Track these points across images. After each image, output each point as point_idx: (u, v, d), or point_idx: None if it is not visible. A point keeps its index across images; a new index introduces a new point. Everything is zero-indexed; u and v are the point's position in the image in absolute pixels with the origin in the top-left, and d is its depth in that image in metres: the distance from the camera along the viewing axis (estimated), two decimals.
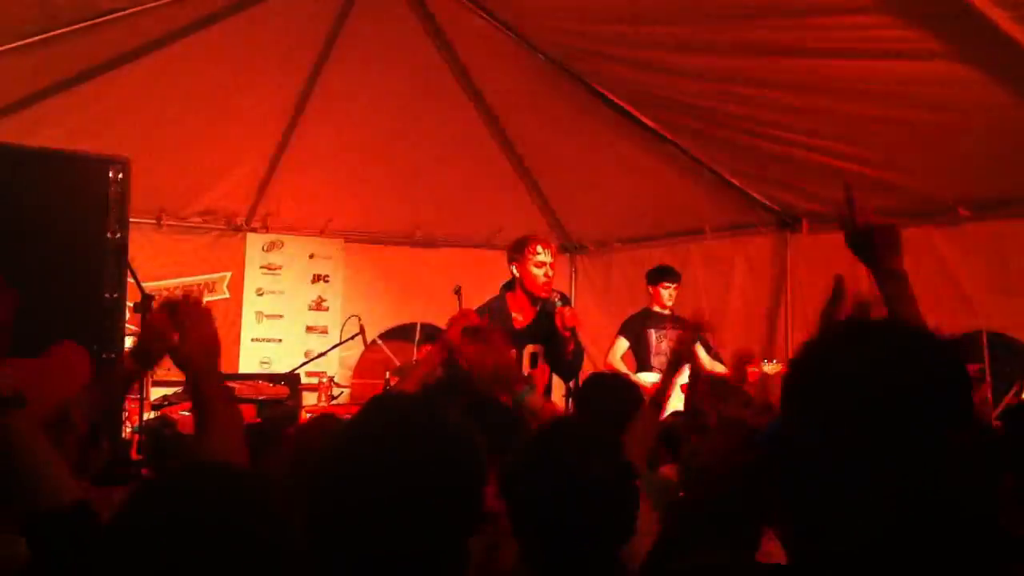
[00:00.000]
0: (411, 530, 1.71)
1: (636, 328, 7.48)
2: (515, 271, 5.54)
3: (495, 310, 5.46)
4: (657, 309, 7.49)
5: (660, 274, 7.56)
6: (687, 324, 4.37)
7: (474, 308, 5.50)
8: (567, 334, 5.36)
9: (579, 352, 5.58)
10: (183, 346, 2.54)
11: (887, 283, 2.29)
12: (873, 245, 2.34)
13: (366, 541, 1.70)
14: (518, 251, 5.52)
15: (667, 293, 7.46)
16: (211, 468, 1.75)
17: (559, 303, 5.45)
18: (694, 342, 4.18)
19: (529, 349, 5.53)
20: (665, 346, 7.33)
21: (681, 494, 2.46)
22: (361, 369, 8.94)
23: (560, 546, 2.17)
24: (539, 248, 5.46)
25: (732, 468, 2.33)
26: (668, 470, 3.95)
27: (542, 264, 5.45)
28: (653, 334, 7.40)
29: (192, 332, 2.54)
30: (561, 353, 5.46)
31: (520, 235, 5.71)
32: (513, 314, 5.54)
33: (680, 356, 4.05)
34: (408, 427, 1.80)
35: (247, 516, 1.46)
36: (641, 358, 7.43)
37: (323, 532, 1.71)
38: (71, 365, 2.54)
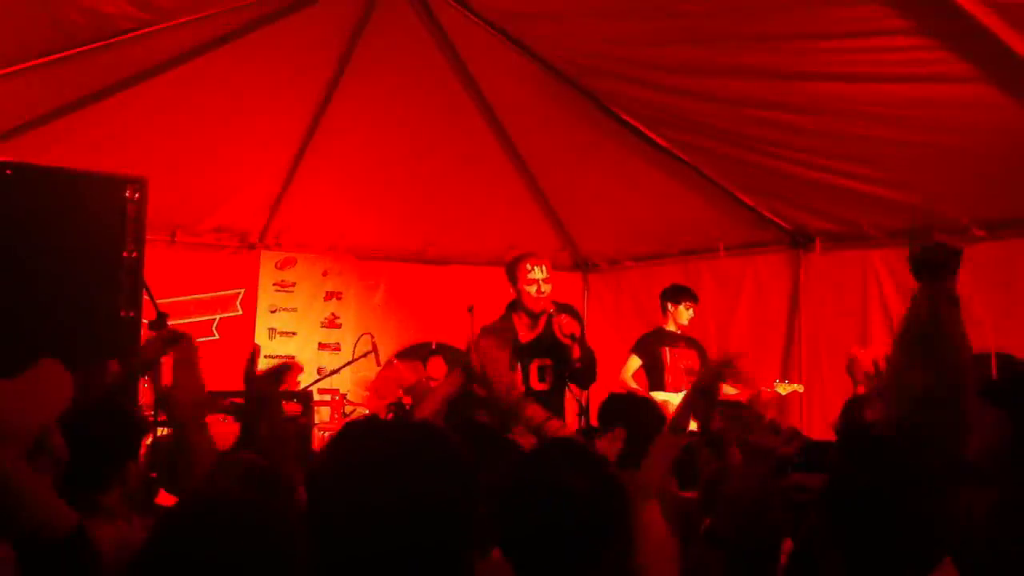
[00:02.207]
0: (413, 547, 1.70)
1: (650, 347, 7.46)
2: (514, 292, 5.68)
3: (503, 328, 5.62)
4: (671, 328, 7.48)
5: (678, 293, 7.55)
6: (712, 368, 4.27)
7: (482, 327, 5.64)
8: (568, 341, 5.43)
9: (589, 357, 5.62)
10: (177, 392, 2.51)
11: (943, 305, 2.30)
12: (938, 264, 2.35)
13: (371, 562, 1.70)
14: (512, 271, 5.67)
15: (688, 314, 7.45)
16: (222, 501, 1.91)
17: (554, 313, 5.54)
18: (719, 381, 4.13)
19: (536, 363, 5.63)
20: (681, 365, 7.33)
21: (706, 521, 2.44)
22: (377, 388, 8.94)
23: (548, 567, 2.16)
24: (529, 266, 5.59)
25: (764, 496, 2.33)
26: (686, 493, 3.94)
27: (533, 281, 5.56)
28: (667, 353, 7.39)
29: (187, 380, 2.52)
30: (568, 361, 5.52)
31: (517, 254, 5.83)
32: (519, 331, 5.65)
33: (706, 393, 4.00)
34: (394, 445, 1.79)
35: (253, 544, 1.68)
36: (654, 377, 7.41)
37: (327, 554, 1.71)
38: (52, 387, 2.49)
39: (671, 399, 7.11)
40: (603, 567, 2.20)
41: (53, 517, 1.96)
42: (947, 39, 4.42)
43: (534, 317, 5.62)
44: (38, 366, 2.49)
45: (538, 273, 5.57)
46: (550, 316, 5.56)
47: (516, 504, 2.17)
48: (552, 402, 5.27)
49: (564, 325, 5.46)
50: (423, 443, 1.79)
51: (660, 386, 7.31)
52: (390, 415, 3.75)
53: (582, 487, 2.18)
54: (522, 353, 5.60)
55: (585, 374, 5.63)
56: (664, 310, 7.54)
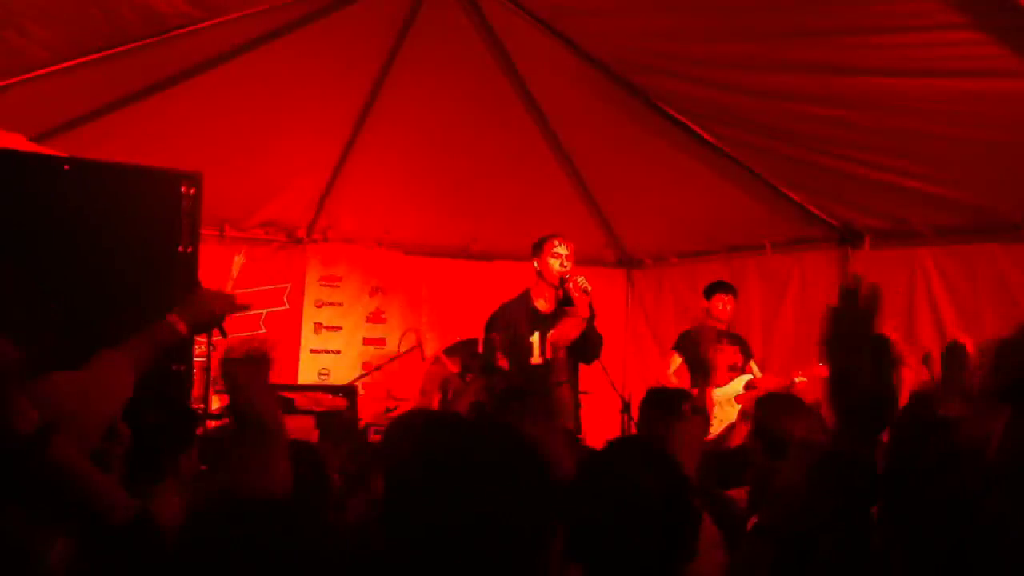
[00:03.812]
0: (493, 552, 1.70)
1: (691, 343, 7.43)
2: (536, 265, 6.02)
3: (520, 300, 6.04)
4: (712, 324, 7.44)
5: (712, 288, 7.52)
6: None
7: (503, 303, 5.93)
8: (583, 295, 5.78)
9: (597, 333, 5.91)
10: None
11: None
12: None
13: (451, 561, 1.70)
14: (539, 246, 6.03)
15: (721, 305, 7.39)
16: (252, 503, 1.95)
17: (569, 277, 5.88)
18: None
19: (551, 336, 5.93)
20: (724, 361, 7.30)
21: (753, 518, 2.43)
22: (424, 385, 8.95)
23: (620, 568, 2.14)
24: (557, 242, 5.97)
25: (810, 487, 2.31)
26: (736, 492, 3.91)
27: (559, 256, 5.93)
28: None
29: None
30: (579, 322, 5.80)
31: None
32: (536, 302, 6.00)
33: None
34: (479, 447, 1.79)
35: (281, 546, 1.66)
36: (696, 373, 7.37)
37: (404, 549, 1.72)
38: (116, 378, 2.54)
39: (713, 394, 7.09)
40: (672, 566, 2.19)
41: (116, 503, 2.00)
42: (1001, 34, 4.36)
43: (555, 288, 5.92)
44: (100, 359, 2.55)
45: (563, 249, 5.93)
46: (564, 280, 5.86)
47: (586, 504, 2.16)
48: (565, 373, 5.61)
49: (579, 283, 5.77)
50: (507, 447, 1.79)
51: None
52: (472, 415, 3.80)
53: (653, 486, 2.17)
54: (539, 324, 5.91)
55: (592, 342, 5.91)
56: (705, 306, 7.53)
